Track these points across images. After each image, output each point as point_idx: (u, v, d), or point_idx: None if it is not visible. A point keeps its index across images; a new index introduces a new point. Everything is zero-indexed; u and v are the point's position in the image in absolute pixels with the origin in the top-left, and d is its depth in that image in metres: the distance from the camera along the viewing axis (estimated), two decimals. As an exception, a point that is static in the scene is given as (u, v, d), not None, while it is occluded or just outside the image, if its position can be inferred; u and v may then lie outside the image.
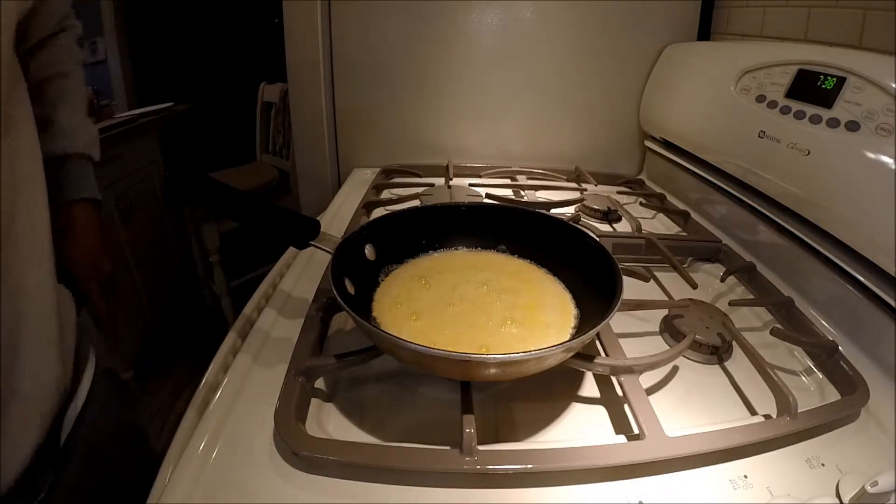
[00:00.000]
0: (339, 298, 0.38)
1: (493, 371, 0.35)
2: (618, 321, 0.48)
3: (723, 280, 0.59)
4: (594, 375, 0.44)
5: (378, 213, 0.75)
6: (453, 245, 0.54)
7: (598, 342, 0.46)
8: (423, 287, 0.47)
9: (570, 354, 0.37)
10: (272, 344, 0.46)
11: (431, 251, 0.53)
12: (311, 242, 0.45)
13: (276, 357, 0.43)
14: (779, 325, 0.49)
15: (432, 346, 0.33)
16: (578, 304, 0.46)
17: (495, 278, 0.49)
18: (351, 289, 0.43)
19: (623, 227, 0.74)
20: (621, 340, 0.45)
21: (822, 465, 0.35)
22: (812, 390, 0.44)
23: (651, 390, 0.43)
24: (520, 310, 0.45)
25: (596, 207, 0.76)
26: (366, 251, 0.49)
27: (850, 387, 0.41)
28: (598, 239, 0.48)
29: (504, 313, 0.44)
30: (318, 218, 0.46)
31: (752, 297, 0.58)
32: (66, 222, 0.51)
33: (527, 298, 0.46)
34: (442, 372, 0.36)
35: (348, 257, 0.45)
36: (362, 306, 0.44)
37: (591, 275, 0.46)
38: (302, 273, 0.58)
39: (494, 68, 0.92)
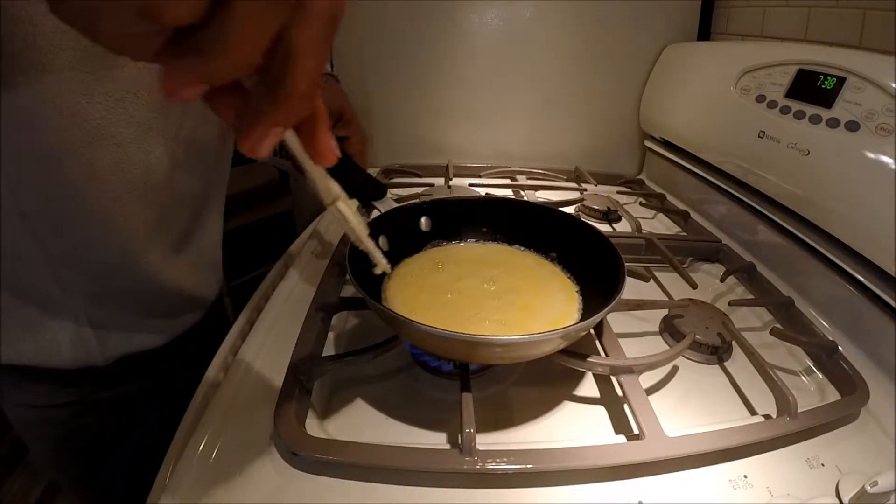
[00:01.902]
0: (347, 259, 0.39)
1: (495, 351, 0.35)
2: (618, 321, 0.48)
3: (723, 280, 0.59)
4: (594, 375, 0.44)
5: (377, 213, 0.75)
6: (500, 239, 0.55)
7: (597, 342, 0.46)
8: (436, 271, 0.49)
9: (568, 343, 0.37)
10: (272, 344, 0.46)
11: (474, 240, 0.55)
12: (374, 203, 0.50)
13: (276, 357, 0.43)
14: (779, 325, 0.49)
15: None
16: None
17: (504, 276, 0.48)
18: (385, 245, 0.47)
19: (623, 227, 0.74)
20: (621, 340, 0.45)
21: (822, 465, 0.35)
22: (812, 390, 0.44)
23: (651, 390, 0.43)
24: (514, 310, 0.44)
25: (596, 207, 0.76)
26: (422, 221, 0.53)
27: (850, 387, 0.42)
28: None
29: (494, 313, 0.43)
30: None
31: (752, 297, 0.58)
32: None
33: (526, 300, 0.46)
34: (431, 348, 0.38)
35: (398, 224, 0.50)
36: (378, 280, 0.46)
37: (602, 284, 0.43)
38: (302, 273, 0.58)
39: (494, 68, 0.92)
